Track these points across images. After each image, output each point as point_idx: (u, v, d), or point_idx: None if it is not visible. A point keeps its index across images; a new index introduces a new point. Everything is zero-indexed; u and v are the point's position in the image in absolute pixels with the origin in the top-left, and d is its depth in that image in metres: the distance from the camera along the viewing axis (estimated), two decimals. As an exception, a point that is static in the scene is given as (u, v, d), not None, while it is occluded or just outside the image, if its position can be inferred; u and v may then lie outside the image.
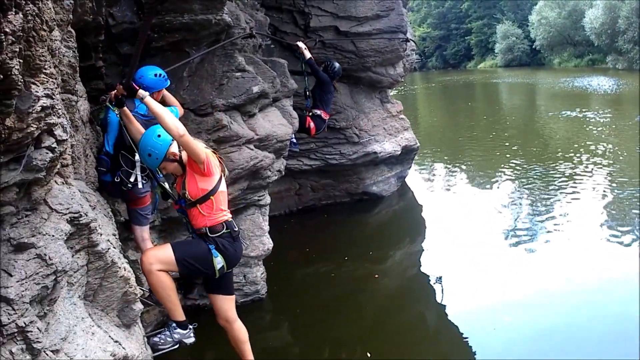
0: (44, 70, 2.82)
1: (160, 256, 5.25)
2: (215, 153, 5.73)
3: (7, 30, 2.21)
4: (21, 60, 2.50)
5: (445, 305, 9.36)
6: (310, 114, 11.44)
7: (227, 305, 5.98)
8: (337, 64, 11.68)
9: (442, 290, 9.91)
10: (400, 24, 13.85)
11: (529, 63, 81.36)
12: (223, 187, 5.65)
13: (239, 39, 8.66)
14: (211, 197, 5.45)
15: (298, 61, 11.54)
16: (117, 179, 5.89)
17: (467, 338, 8.27)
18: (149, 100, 5.25)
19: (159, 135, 5.30)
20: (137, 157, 5.94)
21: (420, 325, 9.20)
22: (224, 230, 5.54)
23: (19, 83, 2.42)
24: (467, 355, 7.91)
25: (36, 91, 2.74)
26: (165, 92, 6.76)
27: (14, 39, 2.31)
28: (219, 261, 5.49)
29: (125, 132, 5.79)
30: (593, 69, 62.06)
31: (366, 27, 13.36)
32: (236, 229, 5.75)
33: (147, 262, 5.05)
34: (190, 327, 5.67)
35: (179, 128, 5.10)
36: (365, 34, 13.37)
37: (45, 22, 2.79)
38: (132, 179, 5.94)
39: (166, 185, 5.90)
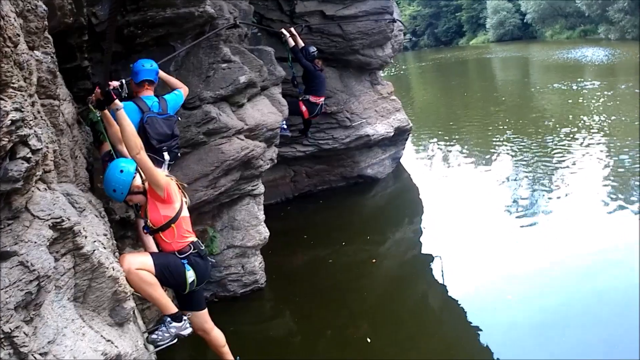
0: (12, 85, 2.82)
1: (139, 259, 5.26)
2: (175, 181, 5.73)
3: None
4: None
5: (447, 285, 9.37)
6: (302, 98, 11.59)
7: (201, 318, 6.05)
8: (311, 47, 11.68)
9: (443, 270, 9.89)
10: (386, 5, 13.84)
11: (521, 37, 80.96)
12: (185, 212, 5.70)
13: (223, 30, 8.63)
14: (172, 225, 5.48)
15: (284, 48, 11.53)
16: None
17: (470, 317, 8.29)
18: (121, 112, 5.23)
19: (122, 171, 5.30)
20: (166, 156, 6.24)
21: (422, 306, 9.23)
22: (192, 251, 5.59)
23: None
24: (471, 334, 7.92)
25: (5, 106, 2.76)
26: (166, 76, 6.88)
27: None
28: (190, 275, 5.54)
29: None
30: (585, 40, 61.79)
31: (352, 9, 13.35)
32: (203, 249, 5.83)
33: (126, 262, 5.04)
34: (185, 318, 5.67)
35: (138, 145, 5.11)
36: (352, 17, 13.36)
37: (9, 39, 2.80)
38: None
39: None
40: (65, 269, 3.60)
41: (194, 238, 5.75)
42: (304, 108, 11.60)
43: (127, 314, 4.37)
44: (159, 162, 6.10)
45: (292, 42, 11.28)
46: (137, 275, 5.03)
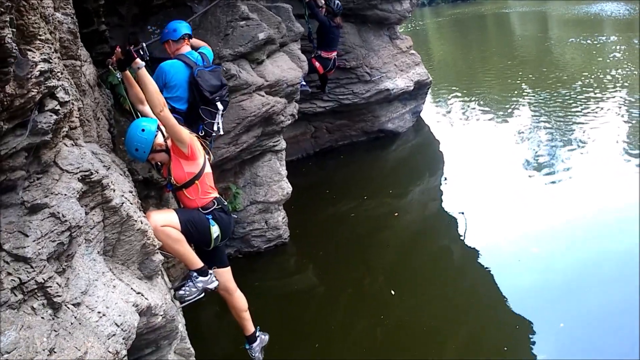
0: (39, 37, 2.84)
1: (165, 216, 5.30)
2: (199, 138, 5.74)
3: None
4: (14, 30, 2.53)
5: (468, 239, 9.39)
6: (314, 55, 11.55)
7: (225, 277, 6.04)
8: (337, 1, 11.59)
9: (465, 224, 9.92)
10: (404, -42, 13.66)
11: (541, -10, 79.88)
12: (208, 169, 5.69)
13: (240, -13, 8.60)
14: (196, 182, 5.49)
15: (301, 4, 11.47)
16: (201, 132, 6.13)
17: (492, 271, 8.33)
18: (142, 71, 5.24)
19: (143, 130, 5.29)
20: (220, 106, 6.25)
21: (444, 260, 9.26)
22: (215, 207, 5.62)
23: (14, 51, 2.45)
24: (492, 288, 7.98)
25: (33, 57, 2.77)
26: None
27: (3, 10, 2.34)
28: (215, 230, 5.57)
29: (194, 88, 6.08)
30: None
31: (369, -37, 13.19)
32: (226, 204, 5.85)
33: (152, 220, 5.08)
34: (211, 271, 5.71)
35: (161, 103, 5.12)
36: (369, -30, 13.21)
37: (34, -10, 2.81)
38: (215, 128, 6.25)
39: None
40: (94, 222, 3.66)
41: (216, 194, 5.77)
42: (317, 64, 11.62)
43: (156, 267, 4.44)
44: (213, 113, 6.19)
45: None
46: (164, 232, 5.08)
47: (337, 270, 8.86)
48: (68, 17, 4.27)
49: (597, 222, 9.26)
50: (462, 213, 10.25)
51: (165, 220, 5.16)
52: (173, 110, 5.90)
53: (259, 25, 8.78)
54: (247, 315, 6.20)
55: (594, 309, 7.17)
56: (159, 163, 5.64)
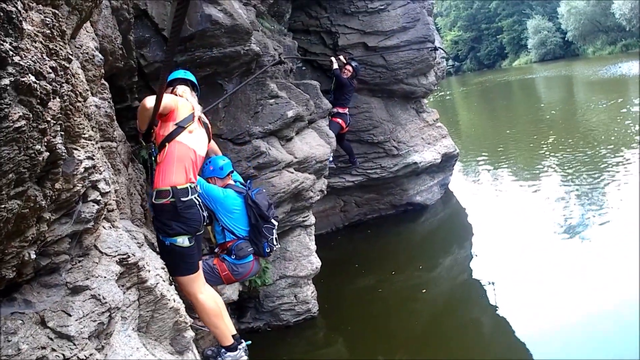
0: (83, 136, 3.06)
1: (198, 280, 5.44)
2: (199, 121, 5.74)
3: (49, 118, 2.44)
4: (62, 133, 2.74)
5: (499, 309, 9.27)
6: (332, 114, 11.97)
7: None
8: (355, 63, 12.60)
9: (495, 294, 9.81)
10: (427, 33, 13.97)
11: (564, 55, 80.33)
12: (195, 146, 5.53)
13: (269, 67, 8.86)
14: (166, 144, 5.32)
15: (329, 80, 11.93)
16: (267, 249, 6.50)
17: (524, 341, 8.22)
18: None
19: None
20: (274, 222, 6.53)
21: (474, 331, 9.15)
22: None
23: (63, 154, 2.67)
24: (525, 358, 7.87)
25: (78, 155, 3.00)
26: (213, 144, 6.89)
27: (55, 121, 2.55)
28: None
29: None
30: (628, 54, 60.76)
31: (394, 40, 13.53)
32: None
33: (192, 290, 5.24)
34: (240, 347, 5.75)
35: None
36: (394, 47, 13.54)
37: (80, 94, 3.03)
38: (275, 243, 6.60)
39: None
40: (130, 301, 3.82)
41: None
42: (339, 120, 12.08)
43: (187, 343, 4.57)
44: (270, 229, 6.46)
45: (335, 65, 12.02)
46: (203, 305, 5.23)
47: (366, 344, 8.83)
48: (105, 101, 4.49)
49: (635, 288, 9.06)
50: (493, 283, 10.19)
51: (200, 286, 5.33)
52: (237, 237, 6.34)
53: (288, 103, 9.03)
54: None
55: None
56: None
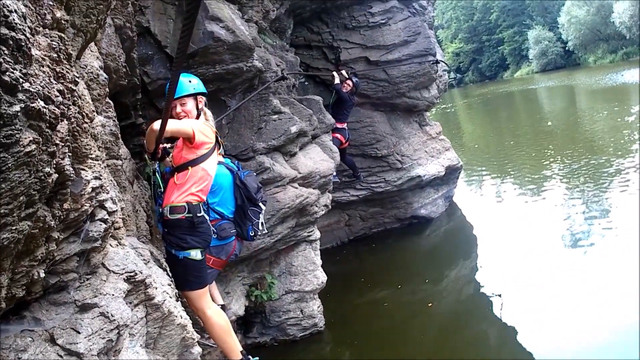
0: (90, 156, 3.13)
1: (205, 294, 5.49)
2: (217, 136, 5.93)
3: (57, 141, 2.50)
4: (70, 154, 2.80)
5: (506, 323, 9.21)
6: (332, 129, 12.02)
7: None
8: (356, 79, 12.77)
9: (502, 307, 9.75)
10: (428, 46, 14.04)
11: (565, 65, 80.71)
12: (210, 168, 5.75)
13: (272, 83, 8.91)
14: (189, 167, 5.51)
15: (331, 95, 12.04)
16: (251, 232, 6.36)
17: (530, 351, 8.18)
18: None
19: None
20: (262, 206, 6.44)
21: (482, 345, 9.07)
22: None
23: (72, 175, 2.73)
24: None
25: (85, 176, 3.07)
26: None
27: (63, 143, 2.61)
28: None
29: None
30: (629, 62, 60.79)
31: (395, 54, 13.62)
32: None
33: (200, 305, 5.31)
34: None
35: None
36: (395, 61, 13.63)
37: (86, 115, 3.09)
38: (261, 227, 6.46)
39: None
40: (138, 317, 3.85)
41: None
42: (337, 135, 12.15)
43: (195, 359, 4.60)
44: (257, 213, 6.37)
45: (336, 80, 12.18)
46: (211, 321, 5.27)
47: (373, 358, 8.84)
48: (110, 119, 4.53)
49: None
50: (499, 295, 10.18)
51: (208, 301, 5.38)
52: (222, 217, 6.15)
53: (291, 118, 9.07)
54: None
55: None
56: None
